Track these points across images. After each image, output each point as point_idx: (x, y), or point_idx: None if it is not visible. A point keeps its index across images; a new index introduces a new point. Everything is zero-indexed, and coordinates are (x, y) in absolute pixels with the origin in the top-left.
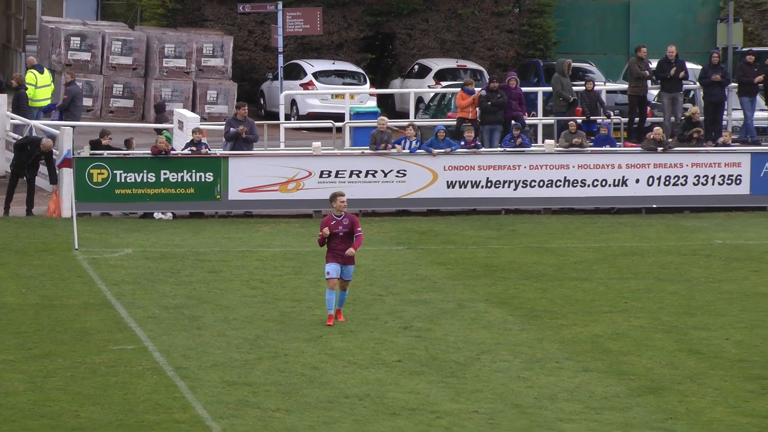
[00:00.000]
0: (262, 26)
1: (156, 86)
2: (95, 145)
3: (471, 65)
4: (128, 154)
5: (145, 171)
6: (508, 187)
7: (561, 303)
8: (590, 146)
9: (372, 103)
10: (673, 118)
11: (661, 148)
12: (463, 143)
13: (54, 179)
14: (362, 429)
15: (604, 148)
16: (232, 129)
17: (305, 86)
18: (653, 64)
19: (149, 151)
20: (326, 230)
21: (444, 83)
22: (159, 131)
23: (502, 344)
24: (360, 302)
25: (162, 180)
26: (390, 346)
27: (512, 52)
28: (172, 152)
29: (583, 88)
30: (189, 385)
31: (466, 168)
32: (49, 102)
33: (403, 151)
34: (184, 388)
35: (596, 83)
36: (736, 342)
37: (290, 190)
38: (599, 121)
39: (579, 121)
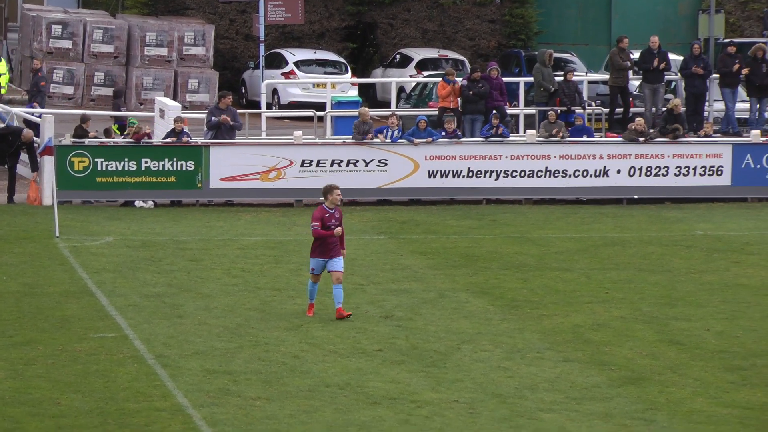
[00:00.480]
0: (244, 15)
1: (137, 75)
2: (80, 131)
3: (452, 55)
4: (109, 143)
5: (126, 159)
6: (490, 177)
7: (542, 293)
8: (568, 136)
9: (353, 93)
10: (654, 109)
11: (643, 139)
12: (443, 133)
13: (35, 167)
14: (343, 418)
15: (585, 139)
16: (213, 118)
17: (287, 75)
18: (635, 55)
19: (131, 139)
20: (338, 230)
21: (425, 73)
22: (117, 119)
23: (483, 334)
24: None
25: (143, 168)
26: (371, 335)
27: (494, 42)
28: (151, 140)
29: (562, 78)
30: (170, 373)
31: (448, 158)
32: (5, 91)
33: (385, 140)
34: (164, 377)
35: (577, 73)
36: (716, 333)
37: (271, 179)
38: (577, 111)
39: (559, 111)
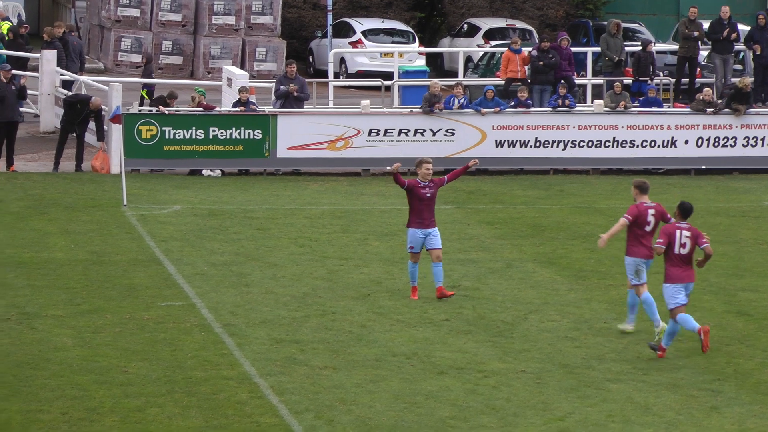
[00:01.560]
0: None
1: (205, 43)
2: (161, 102)
3: (520, 25)
4: (177, 111)
5: (193, 128)
6: (557, 147)
7: (609, 263)
8: (635, 107)
9: (421, 62)
10: (723, 80)
11: (711, 110)
12: (515, 102)
13: (101, 136)
14: (410, 387)
15: (653, 109)
16: (282, 87)
17: (354, 44)
18: (706, 25)
19: (199, 108)
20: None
21: (493, 43)
22: (145, 86)
23: (549, 304)
24: (408, 261)
25: (211, 137)
26: (438, 305)
27: (561, 12)
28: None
29: (638, 48)
30: (237, 342)
31: (515, 128)
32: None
33: (450, 108)
34: (231, 345)
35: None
36: None
37: (339, 148)
38: (649, 81)
39: (627, 82)
